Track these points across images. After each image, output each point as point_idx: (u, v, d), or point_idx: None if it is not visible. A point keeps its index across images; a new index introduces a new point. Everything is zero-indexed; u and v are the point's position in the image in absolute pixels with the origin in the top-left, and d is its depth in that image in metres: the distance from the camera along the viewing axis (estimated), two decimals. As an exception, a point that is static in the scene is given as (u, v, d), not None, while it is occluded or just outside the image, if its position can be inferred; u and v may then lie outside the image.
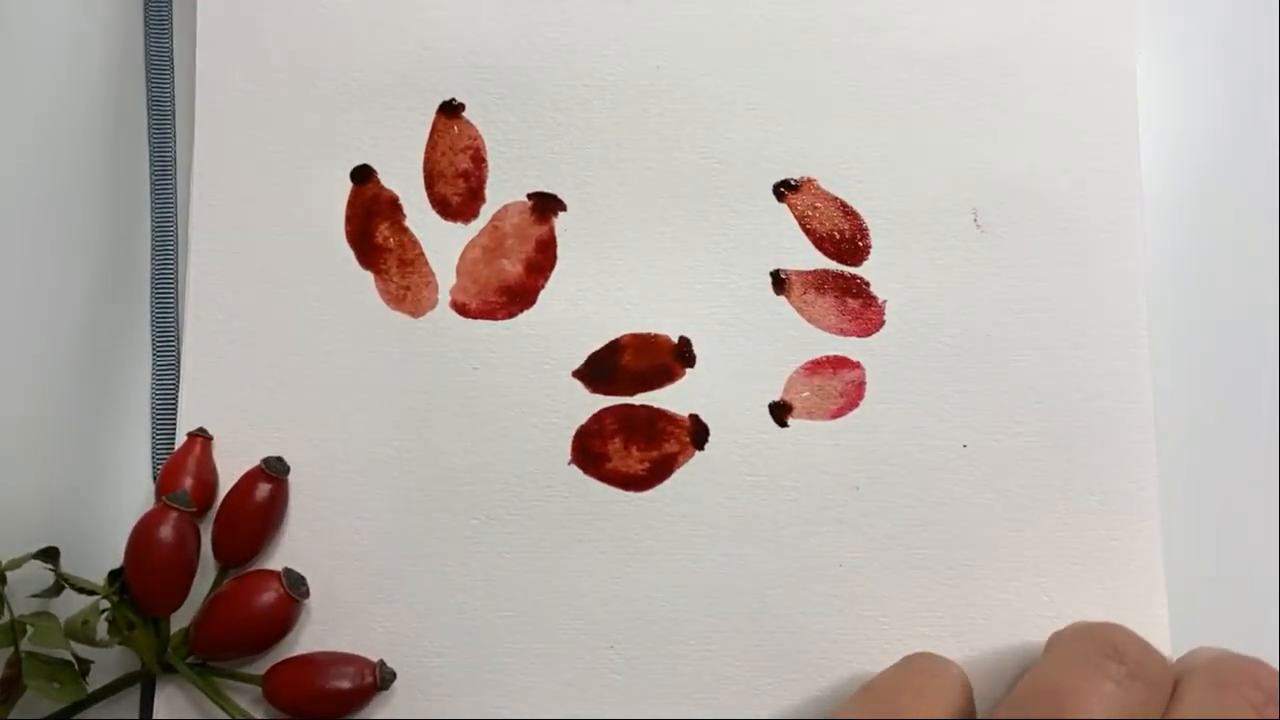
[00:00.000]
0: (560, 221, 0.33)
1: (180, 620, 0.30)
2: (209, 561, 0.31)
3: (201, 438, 0.31)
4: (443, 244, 0.33)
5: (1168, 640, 0.31)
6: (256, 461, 0.31)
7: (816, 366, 0.32)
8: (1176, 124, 0.35)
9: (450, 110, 0.33)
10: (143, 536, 0.29)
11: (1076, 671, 0.26)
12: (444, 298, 0.32)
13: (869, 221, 0.33)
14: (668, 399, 0.32)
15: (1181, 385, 0.33)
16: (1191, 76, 0.35)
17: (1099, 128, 0.33)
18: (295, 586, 0.30)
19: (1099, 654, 0.26)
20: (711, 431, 0.32)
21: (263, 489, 0.31)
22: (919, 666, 0.29)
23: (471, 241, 0.33)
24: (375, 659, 0.30)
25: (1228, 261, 0.34)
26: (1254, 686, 0.25)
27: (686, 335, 0.32)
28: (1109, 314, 0.32)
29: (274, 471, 0.31)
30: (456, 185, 0.33)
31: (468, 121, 0.33)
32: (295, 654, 0.31)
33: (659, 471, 0.32)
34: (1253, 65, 0.35)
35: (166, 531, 0.29)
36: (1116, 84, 0.33)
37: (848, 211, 0.33)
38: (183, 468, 0.31)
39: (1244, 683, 0.25)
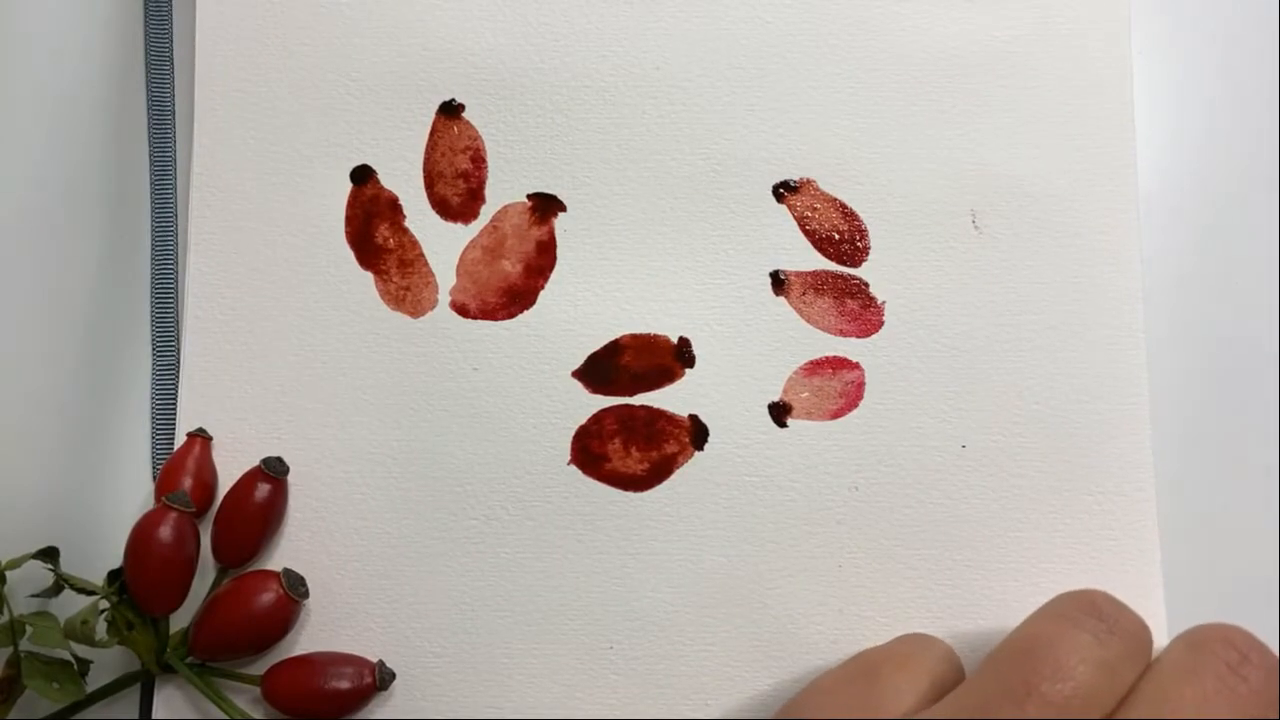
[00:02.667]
0: (560, 222, 0.33)
1: (180, 620, 0.30)
2: (208, 562, 0.31)
3: (201, 438, 0.31)
4: (443, 245, 0.33)
5: (1166, 639, 0.31)
6: (256, 462, 0.31)
7: (816, 367, 0.32)
8: (1172, 125, 0.35)
9: (450, 111, 0.33)
10: (142, 537, 0.29)
11: (1054, 626, 0.26)
12: (444, 298, 0.32)
13: (868, 223, 0.33)
14: (667, 399, 0.32)
15: (1179, 386, 0.33)
16: (1187, 78, 0.35)
17: (1095, 130, 0.33)
18: (294, 587, 0.30)
19: (1077, 611, 0.27)
20: (711, 432, 0.32)
21: (262, 489, 0.30)
22: (906, 640, 0.30)
23: (471, 242, 0.33)
24: (374, 659, 0.30)
25: (1224, 262, 0.34)
26: (1228, 645, 0.26)
27: (686, 336, 0.32)
28: (1106, 315, 0.33)
29: (273, 472, 0.31)
30: (456, 186, 0.33)
31: (468, 122, 0.33)
32: (294, 654, 0.31)
33: (659, 472, 0.32)
34: (1249, 67, 0.35)
35: (166, 532, 0.29)
36: (1112, 86, 0.33)
37: (847, 213, 0.33)
38: (182, 468, 0.30)
39: (1218, 642, 0.26)
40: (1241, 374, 0.34)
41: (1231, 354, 0.34)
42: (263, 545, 0.31)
